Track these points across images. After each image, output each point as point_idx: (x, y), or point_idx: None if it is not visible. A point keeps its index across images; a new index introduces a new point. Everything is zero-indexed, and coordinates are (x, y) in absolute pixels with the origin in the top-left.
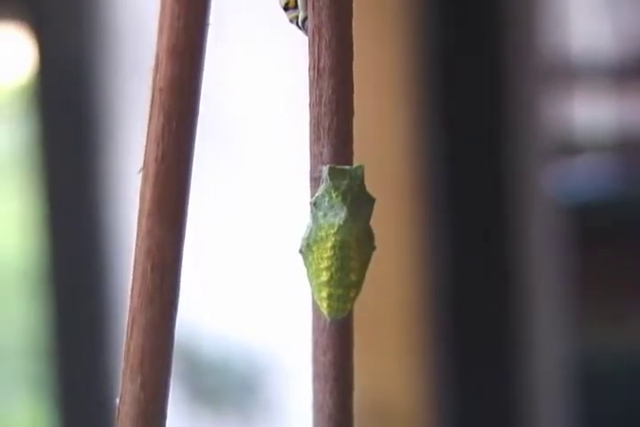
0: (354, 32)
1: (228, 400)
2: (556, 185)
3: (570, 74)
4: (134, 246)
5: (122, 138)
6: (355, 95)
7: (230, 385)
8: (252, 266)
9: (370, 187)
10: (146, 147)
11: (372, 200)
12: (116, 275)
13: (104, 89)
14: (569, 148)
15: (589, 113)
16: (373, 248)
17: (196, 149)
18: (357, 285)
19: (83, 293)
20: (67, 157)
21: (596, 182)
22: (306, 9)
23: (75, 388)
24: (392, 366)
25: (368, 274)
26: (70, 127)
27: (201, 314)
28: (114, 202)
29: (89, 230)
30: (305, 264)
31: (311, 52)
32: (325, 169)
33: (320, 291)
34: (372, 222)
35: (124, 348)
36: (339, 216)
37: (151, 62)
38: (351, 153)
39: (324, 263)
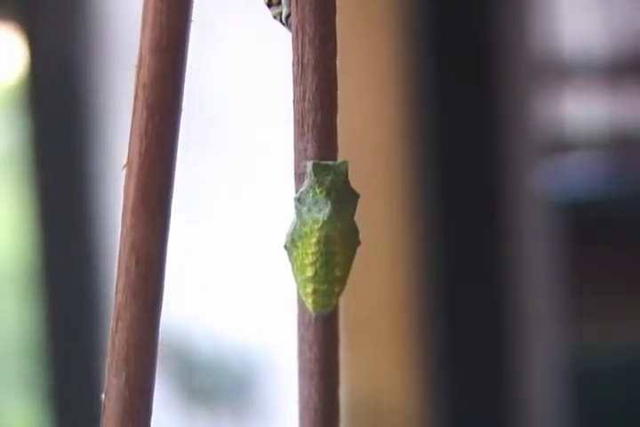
0: (338, 28)
1: (222, 400)
2: (548, 183)
3: (562, 71)
4: (118, 242)
5: (113, 137)
6: (342, 91)
7: (224, 385)
8: (244, 264)
9: (360, 183)
10: (129, 142)
11: (356, 196)
12: (107, 274)
13: (95, 89)
14: (561, 145)
15: (582, 111)
16: (358, 243)
17: (180, 145)
18: (342, 280)
19: (74, 292)
20: (58, 157)
21: (589, 180)
22: (289, 5)
23: (67, 387)
24: (385, 364)
25: (360, 271)
26: (61, 127)
27: (195, 314)
28: (105, 201)
29: (80, 230)
30: (290, 260)
31: (295, 48)
32: (309, 165)
33: (305, 286)
34: (362, 218)
35: (109, 343)
36: (323, 212)
37: (136, 59)
38: (335, 149)
39: (309, 259)
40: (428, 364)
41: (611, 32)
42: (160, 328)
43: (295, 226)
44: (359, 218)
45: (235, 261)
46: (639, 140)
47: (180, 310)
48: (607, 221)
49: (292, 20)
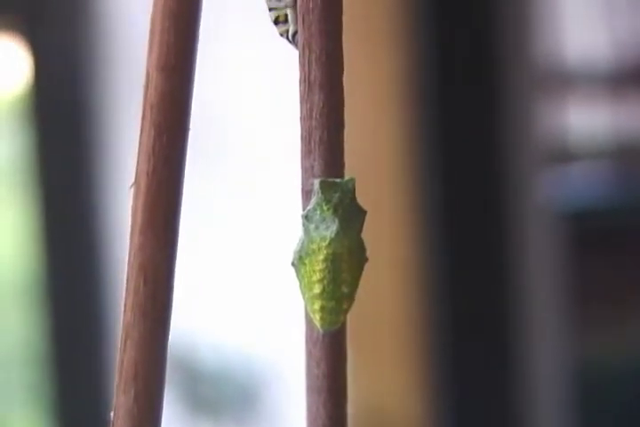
0: (345, 45)
1: (227, 411)
2: (552, 193)
3: (565, 81)
4: (127, 261)
5: (117, 149)
6: (348, 108)
7: (229, 396)
8: (249, 277)
9: (364, 198)
10: (137, 162)
11: (363, 212)
12: (111, 284)
13: (99, 100)
14: (565, 155)
15: (585, 120)
16: (365, 260)
17: (188, 164)
18: (350, 297)
19: (79, 302)
20: (62, 169)
21: (593, 190)
22: (296, 23)
23: (72, 398)
24: (389, 374)
25: (365, 286)
26: (65, 139)
27: (199, 325)
28: (109, 213)
29: (85, 240)
30: (297, 277)
31: (301, 66)
32: (316, 182)
33: (313, 303)
34: (367, 234)
35: (117, 362)
36: (330, 229)
37: (143, 77)
38: (342, 166)
39: (317, 276)
40: (432, 374)
41: (614, 42)
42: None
43: (303, 243)
44: (365, 233)
45: (239, 272)
46: None
47: (186, 321)
48: (611, 231)
49: (299, 37)
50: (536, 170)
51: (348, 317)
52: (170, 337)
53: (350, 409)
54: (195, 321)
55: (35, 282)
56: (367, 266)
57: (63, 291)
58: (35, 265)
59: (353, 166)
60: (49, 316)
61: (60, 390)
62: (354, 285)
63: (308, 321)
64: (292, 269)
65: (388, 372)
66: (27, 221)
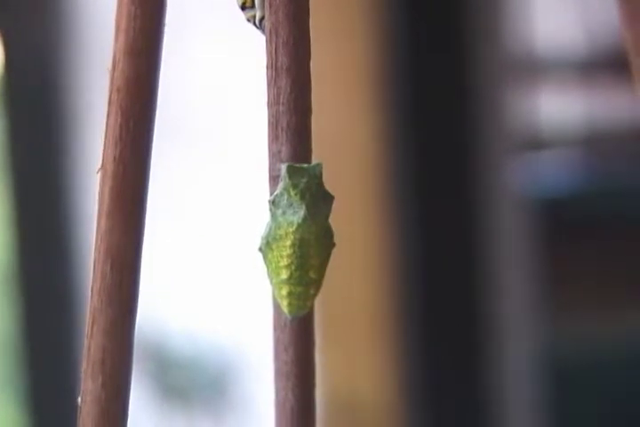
0: (311, 30)
1: (198, 399)
2: (523, 180)
3: (537, 68)
4: (94, 246)
5: (88, 138)
6: (316, 93)
7: (200, 384)
8: (220, 263)
9: (334, 184)
10: (104, 147)
11: (330, 198)
12: (84, 274)
13: (71, 89)
14: (536, 142)
15: (557, 107)
16: (333, 246)
17: (155, 149)
18: (317, 282)
19: (51, 292)
20: (32, 154)
21: (564, 177)
22: (263, 8)
23: (44, 388)
24: (362, 364)
25: (336, 272)
26: (35, 124)
27: (170, 313)
28: (81, 201)
29: (57, 230)
30: (265, 262)
31: (268, 51)
32: (284, 167)
33: (280, 289)
34: (339, 220)
35: (84, 348)
36: (297, 214)
37: (109, 63)
38: (310, 151)
39: (284, 261)
40: (404, 363)
41: (586, 29)
42: (135, 330)
43: (270, 229)
44: (334, 219)
45: (210, 260)
46: (614, 137)
47: (157, 309)
48: (583, 218)
49: (266, 22)
50: (508, 158)
51: (320, 303)
52: (141, 326)
53: (320, 394)
54: (166, 310)
55: (6, 273)
56: (338, 252)
57: (35, 281)
58: (6, 256)
59: (321, 151)
60: (19, 302)
61: (31, 381)
62: (321, 270)
63: (276, 307)
64: (260, 255)
65: (358, 357)
66: None
